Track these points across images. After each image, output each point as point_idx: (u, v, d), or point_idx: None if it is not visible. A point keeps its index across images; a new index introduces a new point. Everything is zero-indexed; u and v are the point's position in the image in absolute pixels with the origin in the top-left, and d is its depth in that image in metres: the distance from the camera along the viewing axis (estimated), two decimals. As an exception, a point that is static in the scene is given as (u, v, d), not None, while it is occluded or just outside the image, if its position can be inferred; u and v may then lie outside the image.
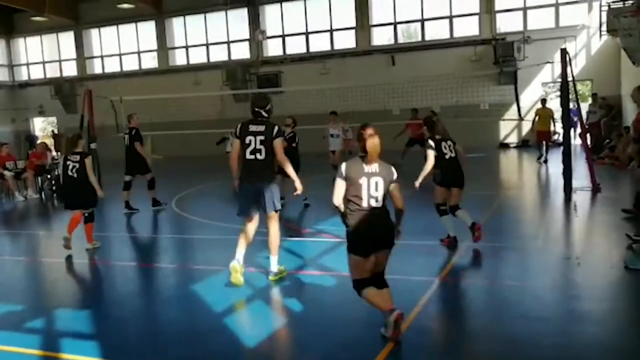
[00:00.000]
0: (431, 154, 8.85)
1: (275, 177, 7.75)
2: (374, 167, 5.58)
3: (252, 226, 7.64)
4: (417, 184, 8.52)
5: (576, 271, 7.52)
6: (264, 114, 7.46)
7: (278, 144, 7.37)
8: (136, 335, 6.16)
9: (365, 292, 5.64)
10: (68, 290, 8.20)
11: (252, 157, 7.34)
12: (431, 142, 8.93)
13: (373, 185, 5.55)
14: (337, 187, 5.67)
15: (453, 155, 8.96)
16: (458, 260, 8.03)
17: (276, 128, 7.38)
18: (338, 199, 5.70)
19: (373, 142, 5.54)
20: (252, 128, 7.36)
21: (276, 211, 7.56)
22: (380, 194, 5.57)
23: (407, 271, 7.97)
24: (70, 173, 9.77)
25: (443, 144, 8.96)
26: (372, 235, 5.60)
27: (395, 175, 5.67)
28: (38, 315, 6.82)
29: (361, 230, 5.60)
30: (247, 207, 7.52)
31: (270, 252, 7.72)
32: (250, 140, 7.33)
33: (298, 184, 7.62)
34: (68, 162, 9.83)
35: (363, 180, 5.54)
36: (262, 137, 7.30)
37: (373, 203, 5.57)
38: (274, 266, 7.69)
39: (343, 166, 5.66)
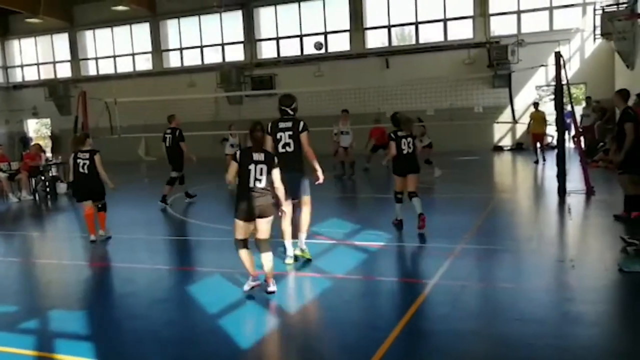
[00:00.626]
0: (392, 145, 10.28)
1: (304, 167, 8.55)
2: (261, 156, 7.03)
3: (290, 209, 8.39)
4: (384, 162, 9.79)
5: (570, 273, 7.54)
6: (289, 111, 8.48)
7: (304, 137, 8.38)
8: (131, 337, 6.13)
9: (240, 251, 7.15)
10: (62, 292, 8.16)
11: (284, 150, 8.33)
12: (392, 135, 10.35)
13: (257, 170, 6.97)
14: (232, 167, 7.11)
15: (410, 150, 10.31)
16: (452, 263, 8.03)
17: (302, 123, 8.40)
18: (230, 176, 7.17)
19: (258, 136, 7.13)
20: (281, 125, 8.40)
21: (307, 196, 8.55)
22: (264, 177, 6.99)
23: (401, 273, 8.00)
24: (81, 170, 10.58)
25: (403, 140, 10.28)
26: (250, 205, 6.97)
27: (276, 160, 7.15)
28: (32, 316, 6.80)
29: (243, 201, 7.00)
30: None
31: (300, 231, 8.61)
32: (280, 136, 8.36)
33: (320, 173, 8.66)
34: (78, 160, 10.63)
35: (252, 167, 6.96)
36: (291, 132, 8.34)
37: (257, 184, 6.97)
38: (302, 243, 8.64)
39: (238, 153, 7.13)
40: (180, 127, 14.86)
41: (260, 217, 7.05)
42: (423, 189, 15.86)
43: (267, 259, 7.12)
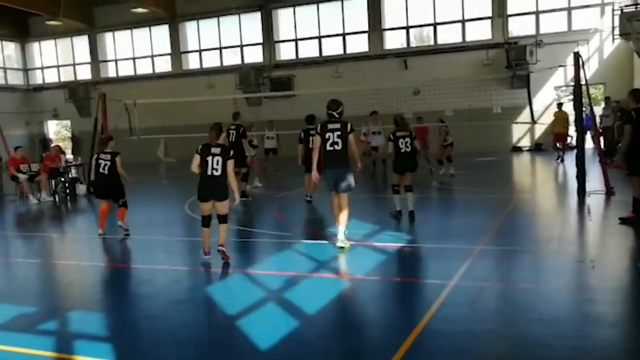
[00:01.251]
0: (390, 145, 11.42)
1: (350, 163, 9.47)
2: (216, 149, 8.65)
3: (337, 200, 9.45)
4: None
5: (590, 274, 7.49)
6: (336, 115, 9.39)
7: (351, 137, 9.29)
8: (149, 338, 6.16)
9: (203, 229, 8.91)
10: (81, 293, 8.20)
11: (332, 148, 9.26)
12: (391, 136, 11.47)
13: (214, 161, 8.62)
14: (194, 159, 8.72)
15: (408, 150, 11.31)
16: (472, 264, 8.01)
17: (349, 125, 9.29)
18: (193, 167, 8.82)
19: (212, 134, 8.73)
20: (330, 126, 9.31)
21: (350, 190, 9.43)
22: (219, 166, 8.59)
23: (421, 274, 7.99)
24: (102, 170, 11.09)
25: (401, 140, 11.30)
26: (208, 191, 8.76)
27: (231, 153, 8.75)
28: (51, 317, 6.85)
29: (202, 188, 8.77)
30: (331, 186, 9.45)
31: (339, 223, 9.37)
32: (329, 136, 9.26)
33: (359, 164, 9.60)
34: (100, 161, 11.16)
35: (210, 158, 8.60)
36: (339, 132, 9.23)
37: (214, 172, 8.60)
38: (341, 234, 9.33)
39: (199, 147, 8.75)
40: (244, 125, 15.29)
41: (217, 199, 8.75)
42: (443, 190, 15.89)
43: (223, 229, 8.82)
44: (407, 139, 11.33)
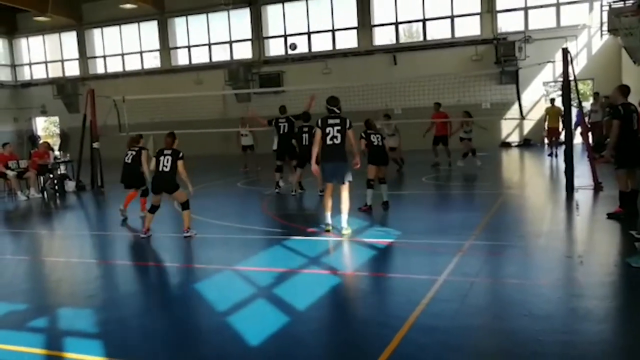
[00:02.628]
0: (362, 142, 12.14)
1: (348, 157, 10.08)
2: (168, 151, 10.26)
3: (331, 188, 10.10)
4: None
5: (578, 269, 7.52)
6: (336, 110, 9.96)
7: (351, 133, 9.93)
8: (139, 335, 6.15)
9: (147, 213, 10.66)
10: (70, 290, 8.16)
11: (331, 142, 9.84)
12: (363, 134, 12.24)
13: (165, 159, 10.18)
14: (151, 161, 10.34)
15: (380, 144, 12.29)
16: (461, 259, 8.03)
17: (348, 121, 9.96)
18: (151, 166, 10.48)
19: (167, 140, 10.49)
20: (330, 121, 9.88)
21: (349, 182, 10.02)
22: (168, 164, 10.16)
23: (410, 270, 7.99)
24: (127, 160, 12.37)
25: (372, 136, 12.22)
26: (158, 184, 10.30)
27: (180, 155, 10.29)
28: (41, 314, 6.82)
29: (154, 182, 10.37)
30: (328, 177, 10.07)
31: (342, 212, 9.97)
32: (329, 131, 9.82)
33: (358, 159, 10.35)
34: (128, 153, 12.41)
35: (162, 157, 10.19)
36: (339, 127, 9.82)
37: (164, 169, 10.16)
38: (344, 222, 9.97)
39: (157, 151, 10.45)
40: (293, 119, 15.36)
41: (167, 191, 10.34)
42: (432, 186, 15.90)
43: (186, 215, 10.39)
44: (378, 135, 12.38)
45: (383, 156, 12.36)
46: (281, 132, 15.24)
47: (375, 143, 12.21)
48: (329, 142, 9.86)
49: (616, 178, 10.38)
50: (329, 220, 10.14)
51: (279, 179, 15.32)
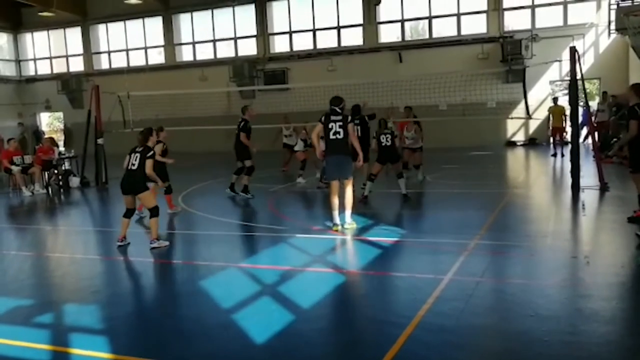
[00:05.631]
0: (374, 141, 13.23)
1: (350, 152, 10.30)
2: (139, 148, 9.77)
3: (336, 187, 10.32)
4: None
5: (585, 270, 7.48)
6: (338, 110, 10.27)
7: (350, 128, 10.23)
8: (144, 331, 6.14)
9: (123, 218, 9.85)
10: (75, 285, 8.17)
11: (334, 137, 10.19)
12: (374, 135, 13.22)
13: (134, 157, 9.72)
14: (125, 159, 9.79)
15: (389, 144, 12.96)
16: (466, 258, 8.00)
17: (349, 117, 10.36)
18: (125, 164, 9.81)
19: (139, 137, 10.00)
20: (333, 117, 10.23)
21: (351, 178, 10.37)
22: (136, 162, 9.64)
23: (416, 269, 7.96)
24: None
25: (382, 137, 12.97)
26: (123, 184, 9.82)
27: (150, 153, 9.73)
28: (47, 310, 6.82)
29: (122, 181, 9.83)
30: (332, 173, 10.46)
31: (345, 208, 10.28)
32: (332, 126, 10.18)
33: (361, 157, 10.45)
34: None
35: (132, 155, 9.75)
36: (340, 123, 10.16)
37: (132, 167, 9.66)
38: (348, 218, 10.30)
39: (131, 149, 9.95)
40: (250, 120, 14.65)
41: (134, 193, 9.75)
42: (437, 185, 15.84)
43: (152, 223, 9.64)
44: (388, 136, 13.00)
45: (392, 154, 13.09)
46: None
47: (384, 144, 12.96)
48: (332, 137, 10.21)
49: (633, 180, 9.90)
50: (337, 220, 10.23)
51: (247, 181, 14.59)
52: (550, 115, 21.51)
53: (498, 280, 7.28)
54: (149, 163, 9.68)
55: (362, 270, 8.01)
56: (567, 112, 20.04)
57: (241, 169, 14.60)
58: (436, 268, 7.65)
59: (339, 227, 10.13)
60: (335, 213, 10.24)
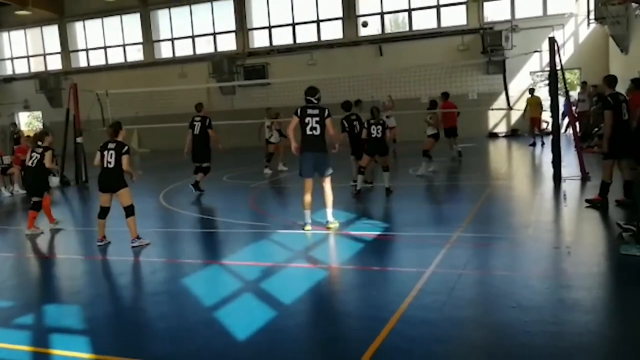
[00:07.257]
0: (364, 131, 13.12)
1: (327, 148, 9.90)
2: (112, 144, 9.55)
3: (310, 185, 9.82)
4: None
5: (566, 260, 7.49)
6: (314, 100, 9.79)
7: (329, 123, 9.72)
8: (127, 331, 6.08)
9: (98, 220, 9.74)
10: (56, 286, 8.12)
11: (311, 133, 9.67)
12: (366, 124, 13.10)
13: (109, 155, 9.48)
14: (96, 156, 9.67)
15: (379, 135, 12.84)
16: (448, 251, 7.98)
17: (327, 111, 9.74)
18: (95, 161, 9.72)
19: (109, 131, 9.79)
20: (309, 111, 9.70)
21: (329, 175, 9.88)
22: (112, 159, 9.44)
23: (398, 263, 7.95)
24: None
25: (373, 127, 12.88)
26: (101, 182, 9.65)
27: (125, 149, 9.53)
28: (28, 311, 6.74)
29: (99, 179, 9.67)
30: (307, 170, 9.82)
31: (326, 207, 9.88)
32: (308, 121, 9.66)
33: (336, 146, 10.34)
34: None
35: (105, 152, 9.51)
36: (317, 118, 9.64)
37: (108, 165, 9.47)
38: (330, 217, 9.89)
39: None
40: (209, 116, 14.74)
41: (113, 191, 9.59)
42: (420, 177, 15.83)
43: (130, 223, 9.52)
44: (379, 127, 12.89)
45: (380, 147, 12.97)
46: (195, 131, 14.58)
47: (374, 135, 12.86)
48: (308, 132, 9.70)
49: (602, 167, 10.45)
50: (308, 219, 9.84)
51: (201, 179, 14.56)
52: (528, 106, 21.66)
53: (480, 272, 7.27)
54: (125, 159, 9.49)
55: (345, 265, 7.98)
56: (544, 102, 20.27)
57: (200, 168, 14.51)
58: (419, 261, 7.63)
59: (310, 228, 9.73)
60: (308, 212, 9.85)
